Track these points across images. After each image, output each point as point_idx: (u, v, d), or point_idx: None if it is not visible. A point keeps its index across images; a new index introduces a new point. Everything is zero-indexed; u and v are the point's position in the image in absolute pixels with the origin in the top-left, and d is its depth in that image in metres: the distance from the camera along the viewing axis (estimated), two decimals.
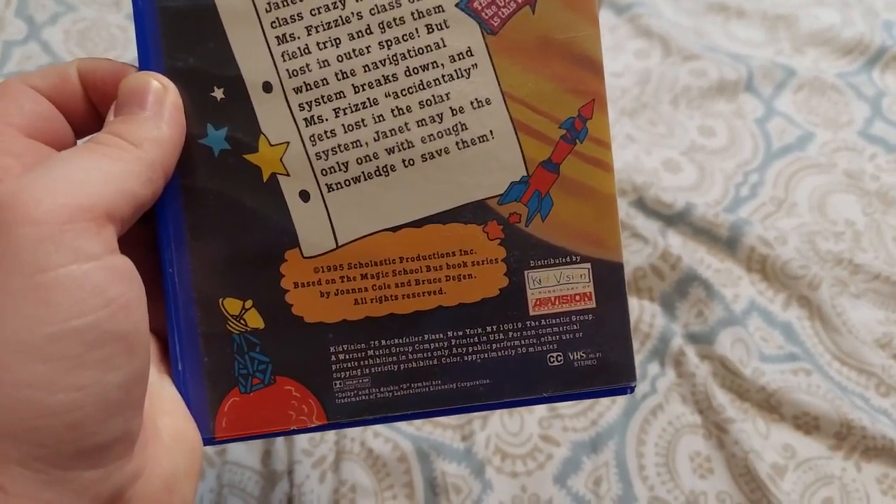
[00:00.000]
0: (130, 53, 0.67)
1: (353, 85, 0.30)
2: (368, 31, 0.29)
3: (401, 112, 0.30)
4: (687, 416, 0.52)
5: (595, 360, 0.31)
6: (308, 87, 0.30)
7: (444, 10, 0.29)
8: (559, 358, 0.31)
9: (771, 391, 0.52)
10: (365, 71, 0.29)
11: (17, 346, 0.22)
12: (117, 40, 0.68)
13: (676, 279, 0.56)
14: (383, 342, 0.31)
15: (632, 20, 0.75)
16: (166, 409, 0.29)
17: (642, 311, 0.56)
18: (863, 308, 0.57)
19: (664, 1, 0.77)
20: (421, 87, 0.30)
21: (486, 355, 0.31)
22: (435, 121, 0.30)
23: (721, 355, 0.53)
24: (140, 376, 0.25)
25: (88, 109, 0.29)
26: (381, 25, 0.29)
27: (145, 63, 0.29)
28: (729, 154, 0.66)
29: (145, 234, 0.30)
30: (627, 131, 0.67)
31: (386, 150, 0.30)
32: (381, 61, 0.30)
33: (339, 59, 0.29)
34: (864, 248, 0.60)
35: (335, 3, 0.29)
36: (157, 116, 0.27)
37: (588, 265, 0.31)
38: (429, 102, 0.30)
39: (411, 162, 0.30)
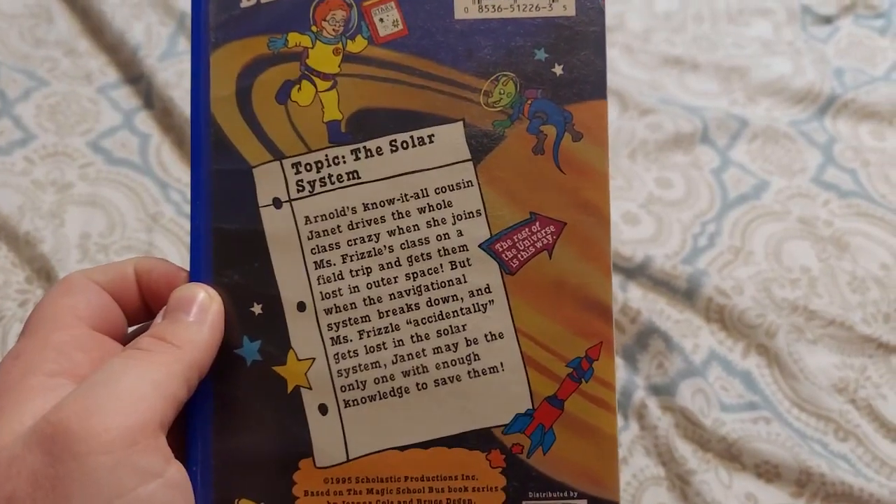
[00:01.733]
0: (101, 125, 0.69)
1: (378, 310, 0.32)
2: (397, 263, 0.32)
3: (419, 339, 0.32)
4: (651, 469, 0.53)
5: None
6: (338, 309, 0.32)
7: (467, 250, 0.32)
8: None
9: (732, 441, 0.53)
10: (391, 298, 0.32)
11: None
12: (88, 113, 0.70)
13: (637, 332, 0.58)
14: None
15: None
16: None
17: None
18: (819, 354, 0.59)
19: (620, 55, 0.80)
20: (440, 317, 0.32)
21: None
22: (450, 349, 0.32)
23: (682, 406, 0.55)
24: None
25: (141, 303, 0.32)
26: (409, 259, 0.32)
27: (196, 275, 0.32)
28: (686, 205, 0.68)
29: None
30: None
31: (402, 372, 0.32)
32: (406, 291, 0.32)
33: (369, 286, 0.32)
34: (819, 294, 0.62)
35: (370, 236, 0.32)
36: (199, 322, 0.30)
37: (584, 502, 0.32)
38: (446, 332, 0.32)
39: (424, 386, 0.32)
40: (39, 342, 0.29)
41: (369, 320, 0.32)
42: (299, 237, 0.32)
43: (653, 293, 0.62)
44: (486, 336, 0.32)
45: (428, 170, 0.32)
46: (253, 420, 0.32)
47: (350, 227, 0.32)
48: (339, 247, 0.32)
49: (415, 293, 0.32)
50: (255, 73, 0.32)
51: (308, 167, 0.32)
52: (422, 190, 0.32)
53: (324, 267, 0.32)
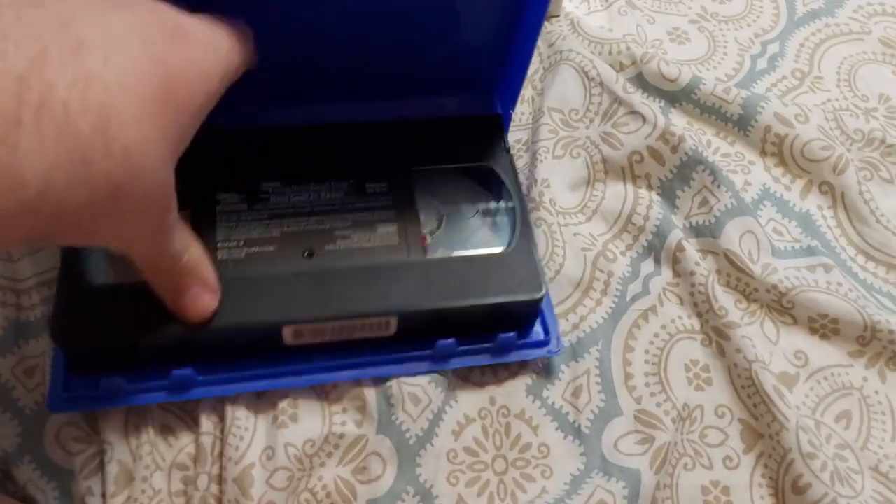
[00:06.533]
0: None
1: None
2: None
3: None
4: (683, 320, 0.45)
5: None
6: None
7: None
8: None
9: (783, 290, 0.45)
10: None
11: None
12: None
13: (678, 163, 0.49)
14: None
15: None
16: None
17: (637, 201, 0.48)
18: None
19: None
20: None
21: None
22: None
23: (727, 249, 0.46)
24: None
25: None
26: None
27: None
28: (745, 22, 0.57)
29: None
30: None
31: None
32: None
33: None
34: None
35: None
36: None
37: None
38: None
39: None
40: None
41: None
42: None
43: (699, 122, 0.52)
44: None
45: None
46: None
47: None
48: None
49: None
50: None
51: None
52: None
53: None
